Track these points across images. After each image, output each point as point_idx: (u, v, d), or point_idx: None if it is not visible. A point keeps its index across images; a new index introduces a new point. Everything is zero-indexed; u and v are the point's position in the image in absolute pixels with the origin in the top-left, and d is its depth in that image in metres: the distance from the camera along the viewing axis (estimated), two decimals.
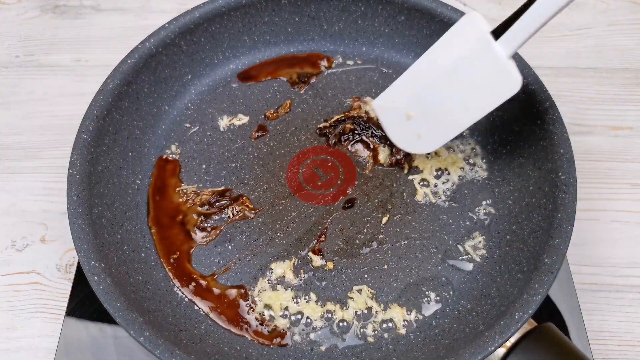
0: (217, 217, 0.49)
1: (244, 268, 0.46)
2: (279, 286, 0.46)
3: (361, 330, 0.44)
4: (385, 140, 0.51)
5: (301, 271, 0.46)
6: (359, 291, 0.45)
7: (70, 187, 0.44)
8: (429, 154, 0.52)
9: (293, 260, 0.47)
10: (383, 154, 0.51)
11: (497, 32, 0.40)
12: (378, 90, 0.57)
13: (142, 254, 0.47)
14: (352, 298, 0.45)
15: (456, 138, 0.53)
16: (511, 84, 0.41)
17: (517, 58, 0.51)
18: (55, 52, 0.68)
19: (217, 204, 0.49)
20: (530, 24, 0.38)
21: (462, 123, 0.45)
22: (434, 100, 0.45)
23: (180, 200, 0.50)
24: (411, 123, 0.48)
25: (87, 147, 0.46)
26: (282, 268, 0.46)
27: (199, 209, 0.49)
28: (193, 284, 0.46)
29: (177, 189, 0.50)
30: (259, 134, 0.54)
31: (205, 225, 0.48)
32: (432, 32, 0.56)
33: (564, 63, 0.67)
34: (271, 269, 0.46)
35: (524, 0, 0.38)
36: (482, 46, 0.41)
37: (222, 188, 0.50)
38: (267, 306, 0.45)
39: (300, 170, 0.52)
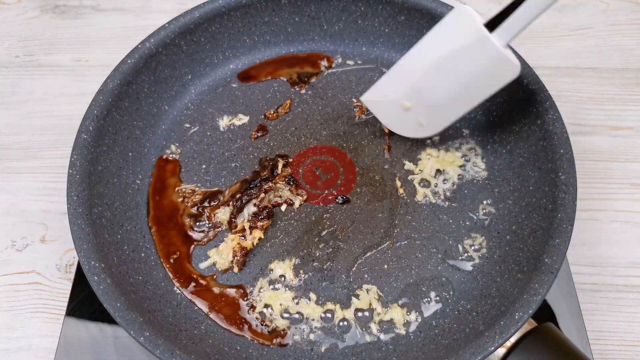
0: (205, 222, 0.49)
1: (244, 268, 0.46)
2: (279, 286, 0.46)
3: (361, 330, 0.44)
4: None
5: (301, 271, 0.46)
6: (368, 290, 0.45)
7: (70, 187, 0.44)
8: (429, 155, 0.52)
9: (293, 260, 0.47)
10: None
11: (492, 24, 0.42)
12: None
13: (142, 254, 0.47)
14: (359, 296, 0.45)
15: (456, 138, 0.54)
16: (511, 70, 0.44)
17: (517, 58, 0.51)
18: (55, 52, 0.68)
19: (205, 205, 0.49)
20: (527, 15, 0.40)
21: (463, 107, 0.48)
22: (432, 90, 0.47)
23: (180, 200, 0.50)
24: (408, 113, 0.49)
25: (87, 147, 0.46)
26: (282, 268, 0.46)
27: (192, 210, 0.49)
28: (193, 284, 0.46)
29: (177, 189, 0.50)
30: (259, 134, 0.54)
31: (195, 228, 0.48)
32: None
33: (564, 63, 0.67)
34: (271, 269, 0.46)
35: None
36: (478, 38, 0.43)
37: (215, 189, 0.50)
38: (267, 306, 0.45)
39: (300, 170, 0.52)
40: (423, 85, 0.47)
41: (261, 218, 0.47)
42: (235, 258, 0.46)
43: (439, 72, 0.46)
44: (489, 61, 0.43)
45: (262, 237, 0.47)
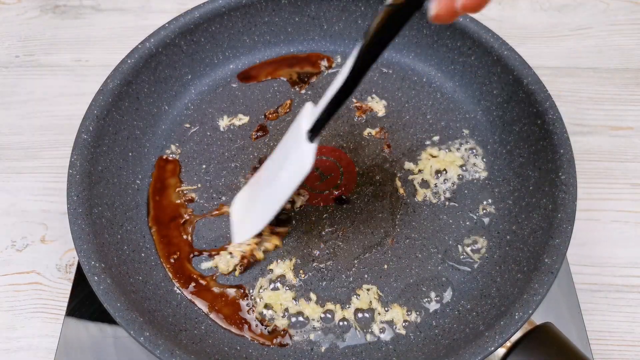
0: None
1: (244, 268, 0.46)
2: (279, 286, 0.46)
3: (361, 330, 0.44)
4: None
5: (301, 271, 0.46)
6: (368, 290, 0.45)
7: (70, 187, 0.44)
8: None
9: (293, 260, 0.47)
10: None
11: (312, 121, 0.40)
12: (378, 90, 0.57)
13: (142, 254, 0.47)
14: (359, 296, 0.45)
15: (456, 138, 0.53)
16: (303, 165, 0.40)
17: (516, 59, 0.51)
18: (55, 52, 0.68)
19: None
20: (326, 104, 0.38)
21: (275, 203, 0.44)
22: (260, 189, 0.46)
23: (179, 200, 0.50)
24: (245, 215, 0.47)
25: (87, 147, 0.46)
26: (282, 268, 0.46)
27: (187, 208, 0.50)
28: (193, 284, 0.46)
29: (177, 189, 0.51)
30: (259, 134, 0.54)
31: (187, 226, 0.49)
32: (432, 32, 0.56)
33: (564, 63, 0.67)
34: (271, 269, 0.46)
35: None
36: (297, 134, 0.41)
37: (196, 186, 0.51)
38: (267, 306, 0.45)
39: None
40: (259, 185, 0.46)
41: (279, 223, 0.47)
42: (243, 261, 0.46)
43: (271, 170, 0.45)
44: (295, 154, 0.41)
45: (280, 244, 0.47)
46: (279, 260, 0.47)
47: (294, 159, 0.41)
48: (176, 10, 0.71)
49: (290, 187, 0.42)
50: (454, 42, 0.55)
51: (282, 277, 0.46)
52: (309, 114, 0.41)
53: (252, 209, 0.46)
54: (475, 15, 0.68)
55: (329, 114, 0.38)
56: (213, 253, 0.47)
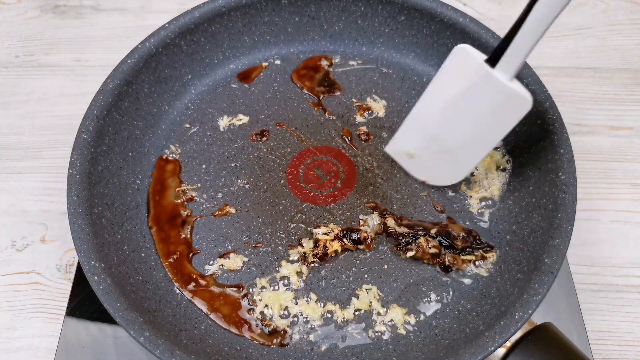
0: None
1: (243, 268, 0.46)
2: (279, 286, 0.46)
3: (361, 330, 0.44)
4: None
5: (301, 271, 0.46)
6: (368, 290, 0.45)
7: (70, 187, 0.44)
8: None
9: (293, 260, 0.47)
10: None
11: (492, 60, 0.41)
12: (378, 90, 0.57)
13: (142, 254, 0.47)
14: (359, 296, 0.45)
15: None
16: (523, 104, 0.41)
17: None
18: (55, 52, 0.68)
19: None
20: (523, 46, 0.39)
21: (483, 149, 0.46)
22: (448, 136, 0.46)
23: (179, 200, 0.50)
24: (420, 160, 0.49)
25: (87, 147, 0.46)
26: (287, 269, 0.46)
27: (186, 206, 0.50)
28: (193, 283, 0.46)
29: (177, 189, 0.51)
30: (259, 135, 0.54)
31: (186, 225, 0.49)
32: (432, 32, 0.56)
33: (564, 63, 0.67)
34: (271, 269, 0.46)
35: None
36: (482, 77, 0.42)
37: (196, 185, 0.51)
38: (267, 306, 0.45)
39: (300, 171, 0.52)
40: (438, 132, 0.46)
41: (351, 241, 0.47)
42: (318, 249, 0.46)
43: (451, 116, 0.45)
44: (497, 98, 0.42)
45: (339, 250, 0.47)
46: (279, 260, 0.47)
47: (498, 103, 0.42)
48: (176, 10, 0.71)
49: (507, 129, 0.43)
50: (454, 42, 0.55)
51: (282, 277, 0.46)
52: (470, 50, 0.42)
53: (446, 157, 0.47)
54: (475, 15, 0.68)
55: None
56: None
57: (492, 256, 0.46)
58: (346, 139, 0.54)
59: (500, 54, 0.40)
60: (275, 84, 0.58)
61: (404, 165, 0.51)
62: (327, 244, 0.46)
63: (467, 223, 0.49)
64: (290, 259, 0.47)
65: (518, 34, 0.38)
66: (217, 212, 0.49)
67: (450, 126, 0.46)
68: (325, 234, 0.47)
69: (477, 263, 0.46)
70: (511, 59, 0.40)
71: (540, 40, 0.38)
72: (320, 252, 0.46)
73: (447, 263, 0.46)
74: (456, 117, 0.45)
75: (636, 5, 0.72)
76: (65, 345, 0.47)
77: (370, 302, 0.45)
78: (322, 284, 0.46)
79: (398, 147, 0.50)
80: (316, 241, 0.47)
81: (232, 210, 0.49)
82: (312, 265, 0.46)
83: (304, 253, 0.46)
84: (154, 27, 0.53)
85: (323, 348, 0.43)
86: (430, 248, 0.46)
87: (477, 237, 0.47)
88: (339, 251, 0.47)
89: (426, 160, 0.49)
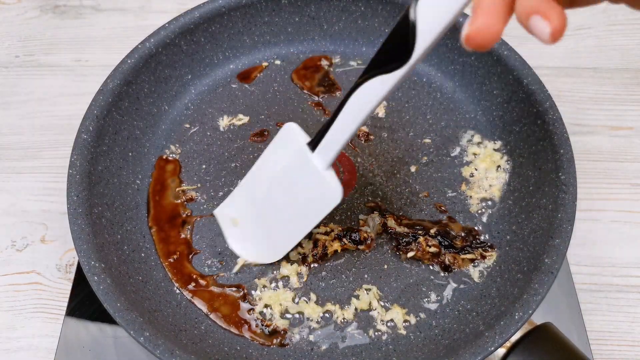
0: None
1: (244, 268, 0.46)
2: (279, 286, 0.46)
3: (361, 330, 0.44)
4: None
5: (301, 271, 0.46)
6: (367, 290, 0.45)
7: (70, 187, 0.44)
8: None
9: (292, 260, 0.47)
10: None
11: (313, 143, 0.39)
12: None
13: (142, 254, 0.47)
14: (359, 296, 0.45)
15: (456, 138, 0.53)
16: (332, 195, 0.40)
17: (516, 59, 0.51)
18: (55, 52, 0.68)
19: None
20: (338, 136, 0.37)
21: (296, 235, 0.44)
22: (269, 212, 0.44)
23: (179, 200, 0.50)
24: (242, 231, 0.46)
25: (87, 147, 0.46)
26: (288, 269, 0.46)
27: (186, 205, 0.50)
28: (193, 283, 0.46)
29: (177, 189, 0.51)
30: (259, 135, 0.54)
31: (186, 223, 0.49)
32: None
33: (564, 63, 0.67)
34: (271, 269, 0.46)
35: None
36: (302, 158, 0.40)
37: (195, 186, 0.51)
38: (267, 306, 0.45)
39: None
40: (262, 205, 0.45)
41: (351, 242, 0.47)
42: (316, 250, 0.46)
43: (274, 192, 0.43)
44: (311, 183, 0.40)
45: (339, 250, 0.46)
46: (285, 262, 0.47)
47: (312, 189, 0.41)
48: (176, 10, 0.71)
49: (316, 220, 0.42)
50: (454, 42, 0.55)
51: (282, 277, 0.46)
52: (297, 130, 0.41)
53: (264, 233, 0.45)
54: None
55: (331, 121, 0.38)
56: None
57: (492, 255, 0.46)
58: None
59: (319, 140, 0.39)
60: (275, 84, 0.58)
61: (225, 232, 0.47)
62: (327, 244, 0.46)
63: (467, 223, 0.49)
64: (291, 259, 0.47)
65: (332, 125, 0.37)
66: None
67: (272, 202, 0.44)
68: (325, 234, 0.47)
69: (476, 263, 0.46)
70: (327, 147, 0.38)
71: (354, 133, 0.37)
72: (319, 252, 0.46)
73: (447, 262, 0.46)
74: (278, 195, 0.43)
75: None
76: (65, 345, 0.47)
77: (370, 302, 0.45)
78: (322, 284, 0.46)
79: (226, 210, 0.47)
80: (315, 241, 0.47)
81: None
82: (312, 265, 0.46)
83: (304, 253, 0.46)
84: (154, 27, 0.53)
85: (323, 348, 0.43)
86: (430, 247, 0.46)
87: (477, 236, 0.47)
88: (339, 251, 0.47)
89: (247, 232, 0.46)
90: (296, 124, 0.42)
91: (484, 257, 0.46)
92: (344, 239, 0.47)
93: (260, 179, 0.45)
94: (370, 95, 0.34)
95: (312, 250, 0.46)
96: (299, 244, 0.47)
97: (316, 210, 0.42)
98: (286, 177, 0.42)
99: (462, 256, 0.46)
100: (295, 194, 0.42)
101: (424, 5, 0.29)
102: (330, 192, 0.40)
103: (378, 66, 0.33)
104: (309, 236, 0.47)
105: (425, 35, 0.30)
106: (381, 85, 0.33)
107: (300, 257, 0.46)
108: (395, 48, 0.32)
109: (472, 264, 0.46)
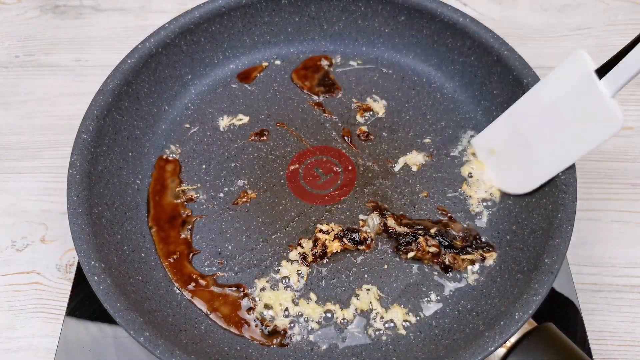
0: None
1: (244, 268, 0.46)
2: (279, 286, 0.46)
3: (361, 330, 0.44)
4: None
5: (301, 271, 0.46)
6: (367, 290, 0.45)
7: (70, 187, 0.44)
8: None
9: (293, 260, 0.47)
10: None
11: (601, 71, 0.40)
12: (378, 90, 0.57)
13: (142, 254, 0.47)
14: (359, 296, 0.45)
15: (456, 138, 0.53)
16: (613, 123, 0.40)
17: (516, 59, 0.51)
18: (55, 52, 0.68)
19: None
20: (634, 64, 0.38)
21: (561, 162, 0.44)
22: (533, 140, 0.46)
23: (179, 200, 0.50)
24: (499, 159, 0.49)
25: (87, 147, 0.46)
26: (281, 267, 0.46)
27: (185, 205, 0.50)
28: (193, 283, 0.46)
29: (177, 189, 0.51)
30: (259, 135, 0.54)
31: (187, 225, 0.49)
32: (432, 32, 0.56)
33: None
34: (271, 269, 0.46)
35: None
36: (586, 84, 0.41)
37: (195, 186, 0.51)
38: (267, 306, 0.45)
39: (300, 171, 0.52)
40: (527, 133, 0.46)
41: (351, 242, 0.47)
42: (316, 249, 0.46)
43: (544, 119, 0.44)
44: (593, 109, 0.41)
45: (340, 249, 0.47)
46: (279, 260, 0.47)
47: (593, 115, 0.41)
48: (176, 10, 0.71)
49: (587, 147, 0.42)
50: (454, 42, 0.55)
51: (285, 278, 0.46)
52: (585, 57, 0.42)
53: (525, 162, 0.47)
54: (475, 15, 0.68)
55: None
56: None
57: (491, 256, 0.46)
58: (346, 139, 0.54)
59: (610, 67, 0.40)
60: (275, 84, 0.58)
61: (482, 160, 0.51)
62: (327, 243, 0.46)
63: (467, 223, 0.49)
64: (290, 259, 0.47)
65: (631, 51, 0.38)
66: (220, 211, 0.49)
67: (540, 129, 0.45)
68: (325, 232, 0.47)
69: (475, 264, 0.46)
70: (618, 75, 0.39)
71: None
72: (319, 251, 0.46)
73: (447, 262, 0.46)
74: (548, 121, 0.44)
75: (636, 5, 0.72)
76: (65, 345, 0.47)
77: (370, 302, 0.45)
78: (322, 284, 0.46)
79: (484, 141, 0.50)
80: (315, 240, 0.47)
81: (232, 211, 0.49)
82: (312, 265, 0.46)
83: (304, 253, 0.46)
84: (154, 27, 0.53)
85: (323, 348, 0.43)
86: (430, 247, 0.46)
87: (477, 237, 0.47)
88: (339, 251, 0.47)
89: (504, 160, 0.49)
90: (585, 52, 0.42)
91: (484, 258, 0.46)
92: (344, 239, 0.47)
93: (531, 106, 0.46)
94: None
95: (311, 249, 0.46)
96: (299, 244, 0.47)
97: (591, 137, 0.42)
98: (565, 102, 0.43)
99: (462, 256, 0.46)
100: (571, 119, 0.43)
101: None
102: (611, 120, 0.40)
103: None
104: (310, 235, 0.47)
105: None
106: None
107: (300, 256, 0.46)
108: None
109: (472, 265, 0.46)
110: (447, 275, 0.46)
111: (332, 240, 0.46)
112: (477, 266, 0.46)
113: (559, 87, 0.43)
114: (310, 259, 0.46)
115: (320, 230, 0.47)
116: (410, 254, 0.46)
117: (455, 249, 0.46)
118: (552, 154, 0.45)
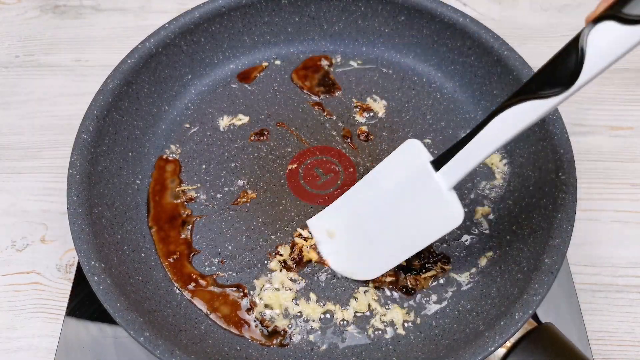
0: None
1: (244, 268, 0.46)
2: (279, 286, 0.46)
3: (361, 330, 0.44)
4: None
5: (301, 271, 0.46)
6: (365, 292, 0.45)
7: (70, 187, 0.44)
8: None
9: (274, 269, 0.47)
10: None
11: (437, 162, 0.39)
12: (378, 90, 0.57)
13: (142, 254, 0.47)
14: (356, 298, 0.45)
15: (456, 138, 0.53)
16: (453, 218, 0.39)
17: (516, 59, 0.51)
18: (55, 52, 0.68)
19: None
20: (470, 158, 0.37)
21: (403, 252, 0.42)
22: (374, 226, 0.43)
23: (179, 200, 0.50)
24: (337, 243, 0.46)
25: (87, 147, 0.46)
26: (272, 278, 0.46)
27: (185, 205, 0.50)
28: (193, 283, 0.46)
29: (177, 189, 0.51)
30: (259, 135, 0.54)
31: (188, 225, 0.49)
32: (432, 32, 0.56)
33: None
34: (271, 269, 0.46)
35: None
36: (423, 175, 0.39)
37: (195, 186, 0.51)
38: (267, 306, 0.45)
39: (300, 171, 0.52)
40: (366, 219, 0.44)
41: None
42: (294, 254, 0.46)
43: (383, 206, 0.43)
44: (430, 202, 0.39)
45: (315, 260, 0.46)
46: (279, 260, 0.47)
47: (431, 208, 0.39)
48: (176, 10, 0.71)
49: (429, 240, 0.41)
50: (454, 42, 0.55)
51: (282, 278, 0.46)
52: (419, 147, 0.40)
53: (364, 249, 0.44)
54: (475, 15, 0.68)
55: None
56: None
57: (449, 268, 0.46)
58: (346, 139, 0.54)
59: (446, 159, 0.38)
60: (275, 84, 0.58)
61: (318, 242, 0.47)
62: (303, 250, 0.46)
63: (467, 223, 0.49)
64: (271, 268, 0.46)
65: (466, 146, 0.37)
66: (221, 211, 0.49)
67: (380, 218, 0.43)
68: (304, 239, 0.47)
69: (475, 264, 0.46)
70: (454, 168, 0.38)
71: (486, 157, 0.36)
72: (296, 256, 0.46)
73: (409, 285, 0.45)
74: (388, 210, 0.42)
75: None
76: (65, 345, 0.47)
77: (370, 302, 0.45)
78: (322, 284, 0.46)
79: (321, 222, 0.47)
80: (293, 245, 0.46)
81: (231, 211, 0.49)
82: (292, 272, 0.46)
83: (284, 261, 0.46)
84: (154, 27, 0.53)
85: (323, 348, 0.43)
86: (385, 277, 0.45)
87: (431, 251, 0.46)
88: (314, 261, 0.46)
89: (343, 244, 0.45)
90: (419, 141, 0.41)
91: (444, 270, 0.46)
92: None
93: (369, 193, 0.44)
94: (517, 120, 0.34)
95: (290, 255, 0.46)
96: (277, 252, 0.47)
97: (432, 230, 0.40)
98: (401, 194, 0.41)
99: (424, 275, 0.45)
100: (410, 211, 0.41)
101: (597, 35, 0.30)
102: (451, 214, 0.39)
103: (531, 91, 0.33)
104: (287, 241, 0.47)
105: (594, 62, 0.31)
106: (532, 111, 0.33)
107: (280, 265, 0.46)
108: (557, 73, 0.32)
109: (436, 280, 0.46)
110: (414, 296, 0.45)
111: (309, 250, 0.46)
112: (477, 266, 0.46)
113: (395, 174, 0.42)
114: (290, 263, 0.46)
115: (300, 235, 0.47)
116: (365, 288, 0.45)
117: (414, 270, 0.46)
118: (394, 242, 0.42)
